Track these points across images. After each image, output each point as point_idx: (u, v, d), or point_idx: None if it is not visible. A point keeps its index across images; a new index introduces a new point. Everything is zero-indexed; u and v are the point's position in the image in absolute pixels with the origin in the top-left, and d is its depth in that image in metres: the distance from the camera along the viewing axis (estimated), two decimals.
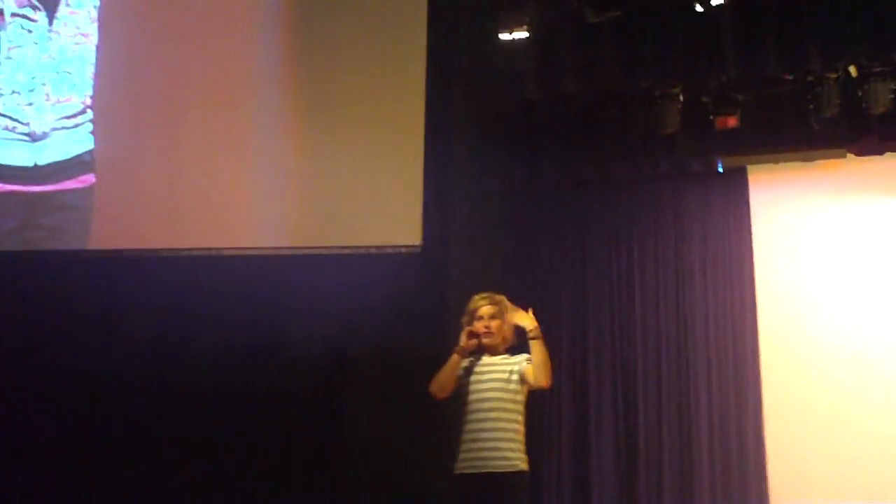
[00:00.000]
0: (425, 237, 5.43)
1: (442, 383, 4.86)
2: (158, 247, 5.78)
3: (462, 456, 4.85)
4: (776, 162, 8.10)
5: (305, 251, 5.60)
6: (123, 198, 5.76)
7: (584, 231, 8.47)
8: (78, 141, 6.21)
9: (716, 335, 8.09)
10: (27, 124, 6.27)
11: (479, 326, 4.91)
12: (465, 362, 4.94)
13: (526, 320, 4.81)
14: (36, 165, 6.22)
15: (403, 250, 5.51)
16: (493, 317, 4.92)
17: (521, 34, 6.35)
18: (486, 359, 4.95)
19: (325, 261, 5.61)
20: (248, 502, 5.53)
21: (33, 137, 6.24)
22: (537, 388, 4.84)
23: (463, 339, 4.90)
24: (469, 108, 5.71)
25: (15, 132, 6.28)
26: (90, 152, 6.10)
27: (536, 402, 7.92)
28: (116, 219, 5.76)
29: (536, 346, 4.76)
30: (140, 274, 5.64)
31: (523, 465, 4.83)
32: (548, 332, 7.93)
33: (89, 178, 6.07)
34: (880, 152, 7.72)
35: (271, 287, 5.58)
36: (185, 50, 6.03)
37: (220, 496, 5.48)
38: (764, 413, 7.87)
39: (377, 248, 5.56)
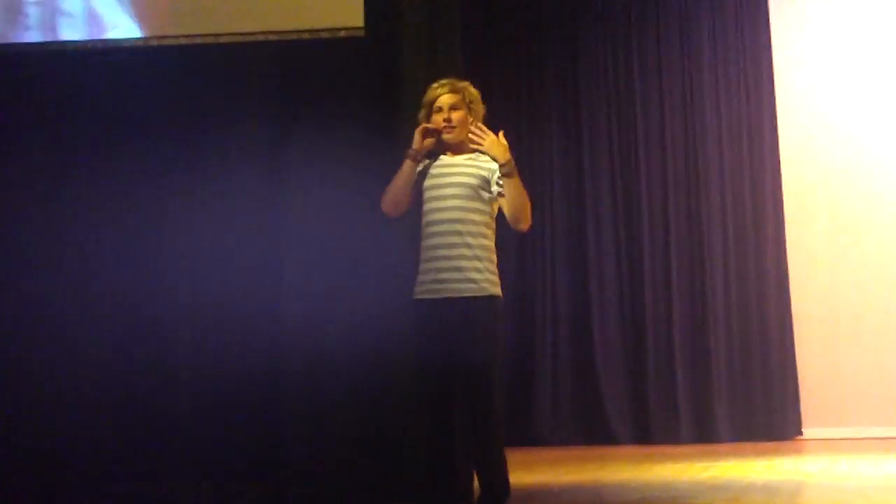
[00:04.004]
0: (368, 18, 4.53)
1: (394, 198, 4.02)
2: (66, 38, 4.90)
3: (420, 278, 4.04)
4: None
5: (225, 38, 4.72)
6: None
7: (575, 25, 7.53)
8: None
9: (730, 157, 7.41)
10: None
11: (437, 120, 4.03)
12: (421, 166, 4.06)
13: (497, 149, 3.90)
14: None
15: (342, 34, 4.61)
16: (454, 107, 4.03)
17: None
18: (446, 159, 4.08)
19: (249, 49, 4.75)
20: None
21: None
22: (515, 229, 3.99)
23: (417, 139, 4.02)
24: None
25: None
26: None
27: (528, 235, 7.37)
28: None
29: (511, 185, 3.87)
30: (55, 70, 4.84)
31: (494, 289, 3.99)
32: (533, 142, 7.32)
33: None
34: None
35: (194, 81, 4.75)
36: None
37: None
38: (785, 215, 7.39)
39: (311, 31, 4.65)
